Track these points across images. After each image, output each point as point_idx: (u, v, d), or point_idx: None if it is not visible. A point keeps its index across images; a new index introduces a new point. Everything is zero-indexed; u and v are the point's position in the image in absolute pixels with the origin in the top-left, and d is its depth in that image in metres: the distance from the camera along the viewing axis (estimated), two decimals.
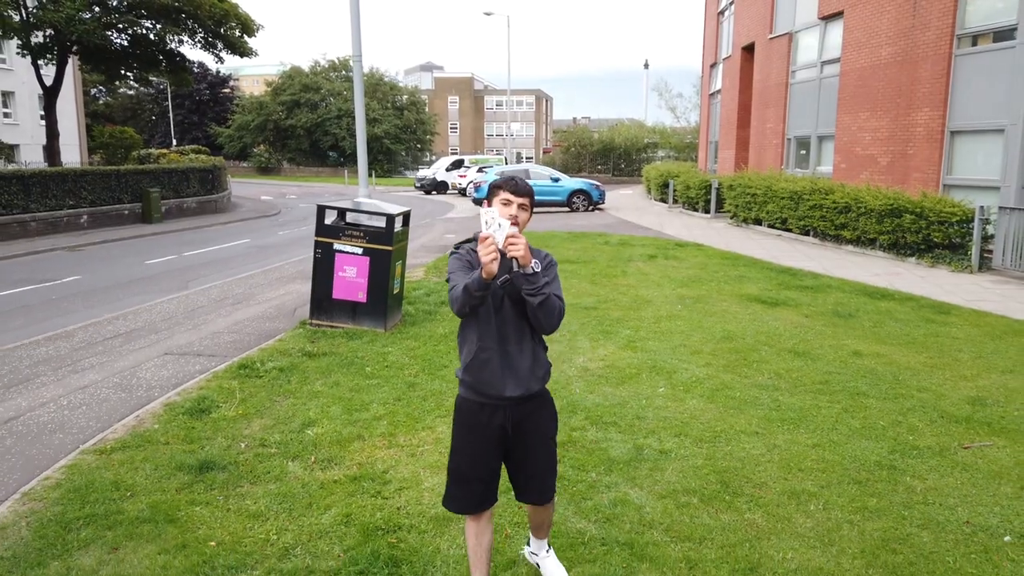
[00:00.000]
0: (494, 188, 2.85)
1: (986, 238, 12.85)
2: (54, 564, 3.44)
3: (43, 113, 40.58)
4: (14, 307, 10.41)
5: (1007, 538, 3.71)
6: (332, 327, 8.28)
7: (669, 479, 4.36)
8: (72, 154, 36.88)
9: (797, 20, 21.17)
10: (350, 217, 8.39)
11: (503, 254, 2.63)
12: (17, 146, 36.67)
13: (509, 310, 2.84)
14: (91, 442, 5.03)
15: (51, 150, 26.20)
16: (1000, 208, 12.65)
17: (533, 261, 2.69)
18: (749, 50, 24.72)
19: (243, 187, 42.63)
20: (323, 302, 8.36)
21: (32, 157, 37.26)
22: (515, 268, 2.68)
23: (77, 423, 5.48)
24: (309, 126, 64.18)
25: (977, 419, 5.45)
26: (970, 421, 5.41)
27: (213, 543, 3.63)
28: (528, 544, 3.47)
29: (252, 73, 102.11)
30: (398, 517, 3.91)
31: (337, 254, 8.23)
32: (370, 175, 54.88)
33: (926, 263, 13.30)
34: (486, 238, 2.58)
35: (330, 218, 8.31)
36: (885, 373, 6.61)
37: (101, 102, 63.45)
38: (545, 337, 3.00)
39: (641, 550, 3.55)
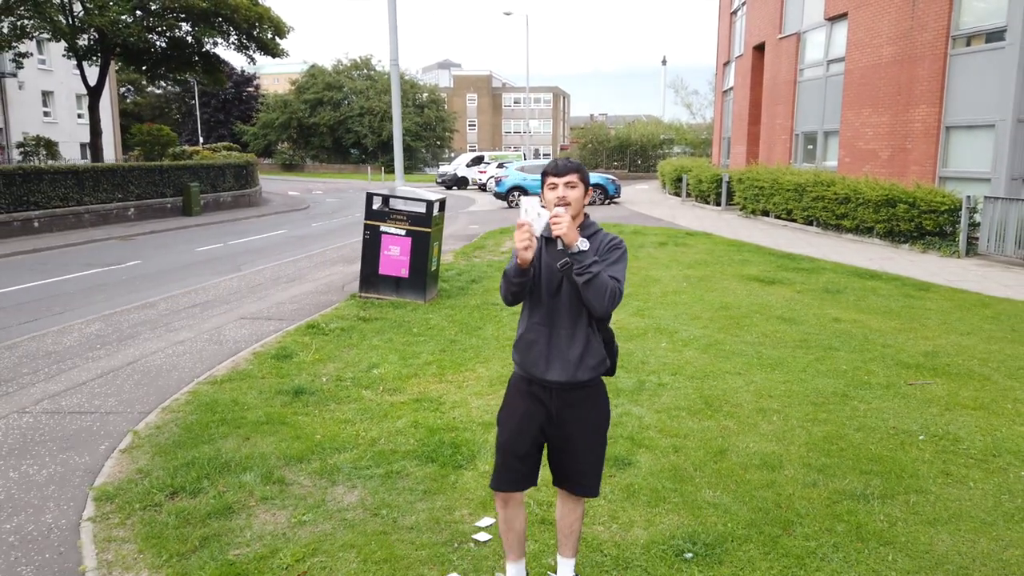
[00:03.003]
0: (543, 176, 2.86)
1: (974, 226, 13.85)
2: (205, 447, 4.66)
3: (80, 112, 42.39)
4: (92, 286, 11.73)
5: (921, 437, 4.84)
6: (379, 299, 9.50)
7: (664, 401, 5.52)
8: (108, 151, 38.46)
9: (805, 21, 22.13)
10: (393, 203, 9.59)
11: (556, 239, 2.67)
12: (57, 144, 38.28)
13: (567, 294, 2.80)
14: (202, 377, 6.28)
15: (94, 147, 27.63)
16: (986, 198, 13.64)
17: (580, 240, 2.69)
18: (760, 49, 25.68)
19: (269, 183, 44.10)
20: (371, 277, 9.58)
21: (70, 154, 38.85)
22: (560, 247, 2.68)
23: (186, 365, 6.73)
24: (332, 124, 65.79)
25: (927, 366, 6.55)
26: (920, 367, 6.51)
27: (318, 436, 4.85)
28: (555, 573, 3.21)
29: (272, 72, 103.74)
30: (454, 423, 5.10)
31: (383, 235, 9.45)
32: (392, 171, 55.87)
33: (918, 249, 14.32)
34: (522, 224, 2.61)
35: (376, 204, 9.51)
36: (857, 334, 7.71)
37: (129, 101, 65.39)
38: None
39: (639, 441, 4.72)
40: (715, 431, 4.92)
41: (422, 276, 9.48)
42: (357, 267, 12.23)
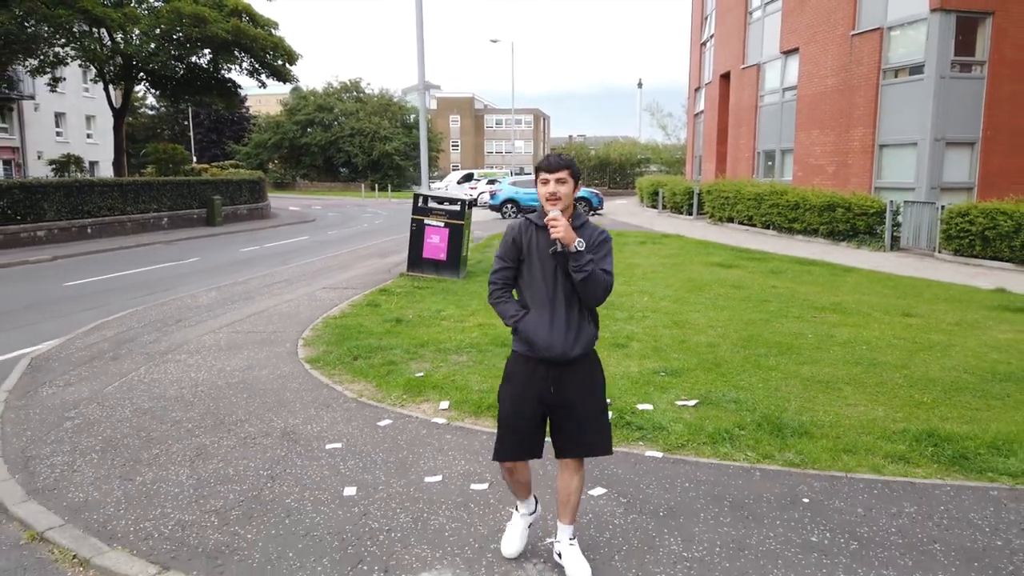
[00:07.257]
0: (536, 171, 3.08)
1: (897, 225, 16.82)
2: (356, 342, 7.29)
3: (89, 132, 44.73)
4: (175, 275, 14.23)
5: (810, 335, 7.61)
6: (423, 276, 12.15)
7: (647, 324, 8.25)
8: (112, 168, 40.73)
9: (764, 53, 25.27)
10: (433, 203, 12.28)
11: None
12: (84, 160, 40.31)
13: (561, 280, 3.06)
14: (324, 315, 8.90)
15: (118, 164, 30.02)
16: (905, 202, 16.65)
17: (577, 240, 2.92)
18: (726, 77, 28.83)
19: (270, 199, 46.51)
20: (416, 260, 12.25)
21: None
22: (559, 247, 2.95)
23: (305, 312, 9.34)
24: (323, 144, 68.44)
25: (831, 309, 9.35)
26: (825, 309, 9.31)
27: (425, 338, 7.51)
28: (555, 536, 3.40)
29: (258, 92, 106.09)
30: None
31: (427, 227, 12.12)
32: (384, 189, 57.87)
33: (853, 245, 17.26)
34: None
35: (420, 203, 12.19)
36: (787, 293, 10.51)
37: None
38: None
39: (632, 338, 7.44)
40: (679, 335, 7.66)
41: (457, 259, 12.16)
42: (391, 260, 14.95)
